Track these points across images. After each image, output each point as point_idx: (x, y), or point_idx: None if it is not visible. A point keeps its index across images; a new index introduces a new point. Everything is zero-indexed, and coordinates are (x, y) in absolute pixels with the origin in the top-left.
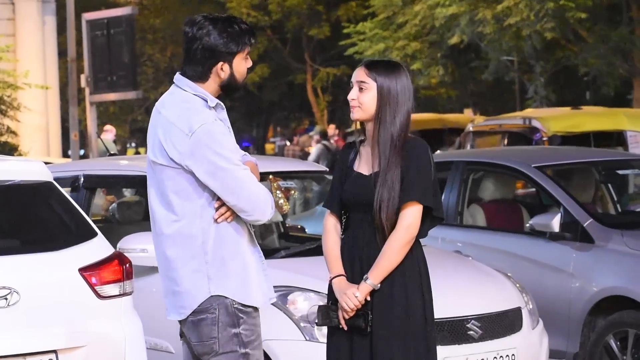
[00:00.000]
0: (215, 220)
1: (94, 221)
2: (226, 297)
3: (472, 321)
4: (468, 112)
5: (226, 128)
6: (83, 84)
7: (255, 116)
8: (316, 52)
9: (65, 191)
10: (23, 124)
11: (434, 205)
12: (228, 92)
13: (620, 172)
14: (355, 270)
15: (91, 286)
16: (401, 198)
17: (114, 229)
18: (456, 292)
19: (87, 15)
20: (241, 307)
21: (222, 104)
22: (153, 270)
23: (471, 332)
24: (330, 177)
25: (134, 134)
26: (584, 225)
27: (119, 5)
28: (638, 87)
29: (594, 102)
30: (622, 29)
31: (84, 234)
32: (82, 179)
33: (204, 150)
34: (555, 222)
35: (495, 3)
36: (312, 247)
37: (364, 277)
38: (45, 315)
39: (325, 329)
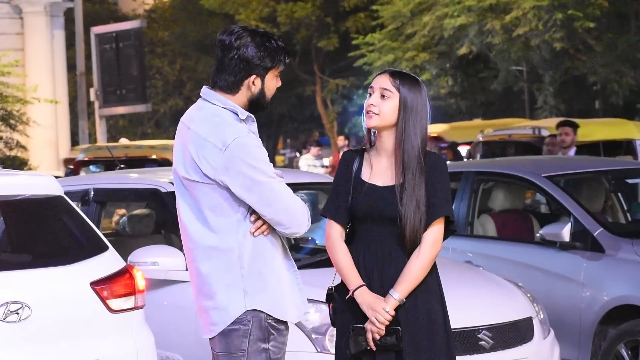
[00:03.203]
0: (252, 234)
1: (104, 235)
2: (261, 312)
3: (484, 331)
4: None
5: (259, 140)
6: (92, 97)
7: (265, 128)
8: (325, 63)
9: (75, 205)
10: (32, 139)
11: (454, 220)
12: (255, 109)
13: (629, 181)
14: (373, 284)
15: (103, 300)
16: (431, 213)
17: (125, 242)
18: (467, 303)
19: (96, 29)
20: (274, 324)
21: (252, 116)
22: (164, 283)
23: (482, 343)
24: None
25: None
26: (594, 234)
27: (128, 18)
28: None
29: (603, 111)
30: (630, 37)
31: (95, 248)
32: (92, 193)
33: (238, 164)
34: (565, 232)
35: (503, 13)
36: (323, 258)
37: (391, 293)
38: (56, 329)
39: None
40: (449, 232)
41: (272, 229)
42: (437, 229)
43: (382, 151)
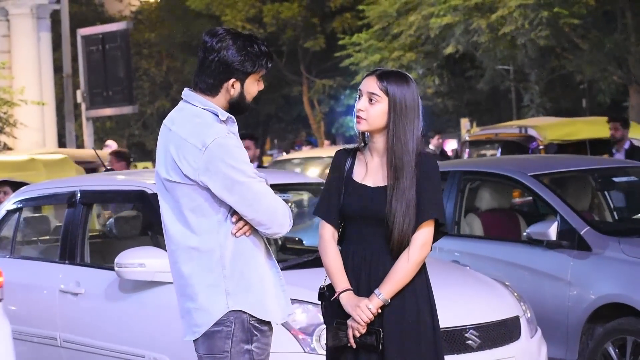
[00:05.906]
0: (234, 235)
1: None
2: (244, 312)
3: (471, 331)
4: (465, 122)
5: (239, 141)
6: (79, 99)
7: (252, 129)
8: (312, 64)
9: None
10: (20, 141)
11: (444, 222)
12: (236, 111)
13: (616, 179)
14: (361, 284)
15: None
16: (420, 215)
17: (112, 243)
18: (454, 302)
19: (82, 31)
20: (257, 325)
21: (233, 117)
22: (152, 284)
23: (470, 342)
24: None
25: (131, 148)
26: (581, 233)
27: (114, 20)
28: (634, 95)
29: (590, 110)
30: (617, 35)
31: None
32: (78, 195)
33: (218, 165)
34: (552, 231)
35: (489, 12)
36: (310, 259)
37: (376, 293)
38: None
39: (324, 342)
40: (440, 234)
41: (254, 230)
42: (426, 231)
43: (374, 151)
